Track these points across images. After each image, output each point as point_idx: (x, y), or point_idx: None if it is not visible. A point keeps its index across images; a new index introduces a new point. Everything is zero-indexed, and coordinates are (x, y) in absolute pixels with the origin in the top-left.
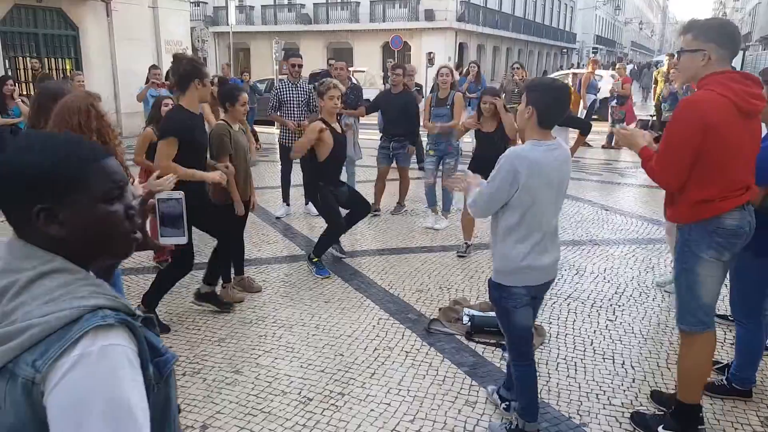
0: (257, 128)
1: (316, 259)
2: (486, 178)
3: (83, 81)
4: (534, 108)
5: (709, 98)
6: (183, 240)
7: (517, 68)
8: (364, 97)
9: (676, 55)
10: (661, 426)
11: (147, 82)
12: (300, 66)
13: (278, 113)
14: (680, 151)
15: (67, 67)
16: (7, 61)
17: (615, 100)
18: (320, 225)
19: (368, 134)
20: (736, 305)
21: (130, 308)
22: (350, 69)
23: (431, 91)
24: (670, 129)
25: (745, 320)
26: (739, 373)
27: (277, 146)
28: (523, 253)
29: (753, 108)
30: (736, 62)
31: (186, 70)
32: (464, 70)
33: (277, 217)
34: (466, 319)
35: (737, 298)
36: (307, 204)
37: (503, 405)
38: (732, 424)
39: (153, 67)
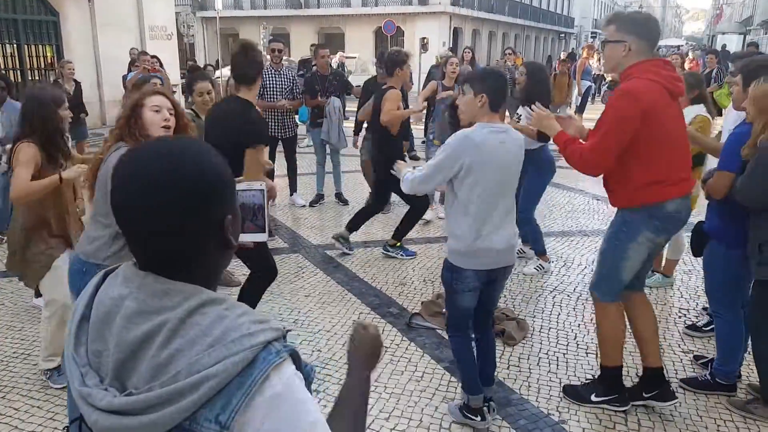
0: None
1: (398, 243)
2: None
3: (73, 68)
4: (486, 95)
5: (643, 85)
6: (264, 237)
7: (510, 54)
8: (355, 83)
9: (600, 47)
10: (593, 394)
11: (129, 68)
12: (280, 51)
13: (261, 100)
14: (617, 138)
15: (48, 54)
16: None
17: (607, 85)
18: (305, 217)
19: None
20: (713, 298)
21: (283, 329)
22: (342, 54)
23: (430, 78)
24: (606, 117)
25: (723, 311)
26: (722, 367)
27: None
28: (472, 232)
29: (679, 90)
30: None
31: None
32: (458, 56)
33: None
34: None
35: (714, 290)
36: (291, 195)
37: (483, 406)
38: (715, 421)
39: (142, 53)
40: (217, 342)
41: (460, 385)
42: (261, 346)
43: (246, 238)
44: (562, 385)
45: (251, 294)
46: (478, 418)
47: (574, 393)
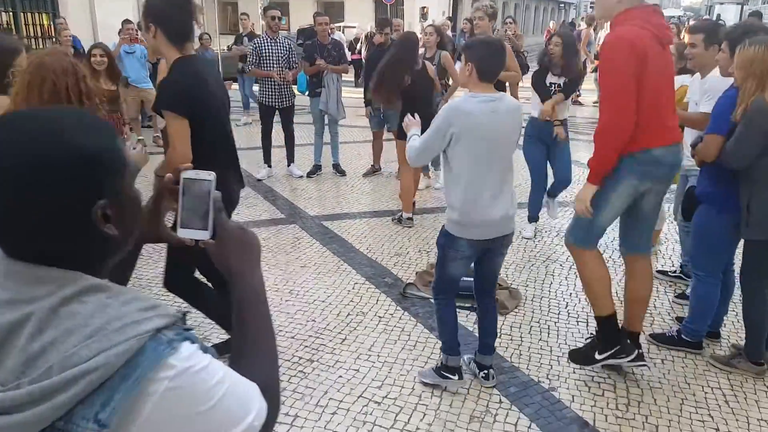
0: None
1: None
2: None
3: (70, 36)
4: (474, 64)
5: (632, 31)
6: (204, 235)
7: (510, 23)
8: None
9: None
10: (596, 352)
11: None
12: (279, 18)
13: (258, 68)
14: (628, 91)
15: (44, 22)
16: None
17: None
18: (302, 188)
19: (351, 92)
20: (697, 260)
21: (177, 314)
22: (340, 25)
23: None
24: (607, 76)
25: (704, 274)
26: (690, 325)
27: (257, 105)
28: (466, 203)
29: (668, 38)
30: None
31: None
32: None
33: (258, 179)
34: None
35: (700, 254)
36: (289, 166)
37: (481, 374)
38: (702, 388)
39: (125, 21)
40: (97, 332)
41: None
42: (149, 334)
43: (184, 234)
44: (567, 351)
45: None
46: (456, 377)
47: (579, 356)
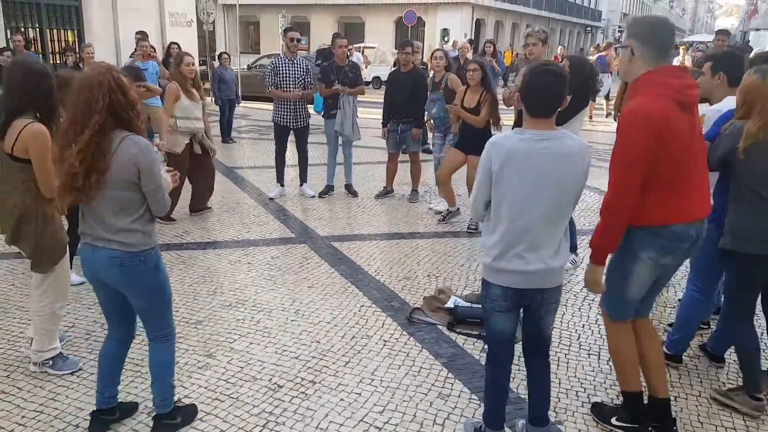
0: (247, 104)
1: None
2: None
3: (93, 53)
4: (520, 95)
5: (650, 104)
6: None
7: (534, 44)
8: (374, 74)
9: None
10: (615, 418)
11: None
12: (298, 40)
13: (275, 89)
14: (633, 166)
15: (69, 39)
16: (8, 31)
17: None
18: (314, 208)
19: (366, 113)
20: (698, 271)
21: None
22: (360, 45)
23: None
24: (616, 146)
25: (700, 287)
26: (672, 336)
27: (272, 125)
28: (495, 249)
29: (692, 101)
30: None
31: None
32: (480, 48)
33: (271, 198)
34: (451, 303)
35: (700, 267)
36: (301, 185)
37: None
38: (716, 428)
39: (140, 38)
40: None
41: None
42: None
43: None
44: (592, 402)
45: None
46: None
47: (598, 411)
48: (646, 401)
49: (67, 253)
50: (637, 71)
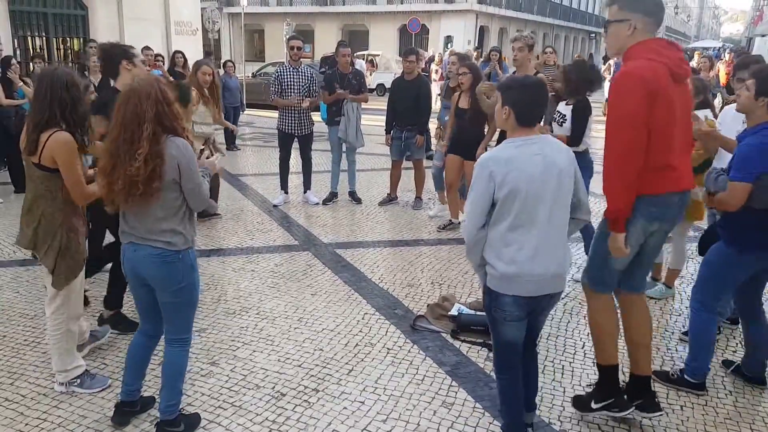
0: (251, 112)
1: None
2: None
3: (152, 55)
4: (510, 108)
5: (644, 65)
6: None
7: (551, 52)
8: (378, 81)
9: (603, 29)
10: (593, 402)
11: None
12: (300, 48)
13: (279, 97)
14: (634, 121)
15: (75, 47)
16: (16, 40)
17: None
18: (317, 215)
19: (370, 120)
20: (704, 291)
21: None
22: (364, 53)
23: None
24: (611, 108)
25: (706, 307)
26: (691, 363)
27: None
28: (506, 255)
29: (685, 73)
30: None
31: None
32: (484, 55)
33: (275, 205)
34: (455, 311)
35: (709, 287)
36: (305, 192)
37: None
38: None
39: (145, 48)
40: None
41: (501, 424)
42: None
43: None
44: (571, 397)
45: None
46: None
47: (579, 402)
48: (627, 379)
49: (83, 270)
50: (630, 42)
